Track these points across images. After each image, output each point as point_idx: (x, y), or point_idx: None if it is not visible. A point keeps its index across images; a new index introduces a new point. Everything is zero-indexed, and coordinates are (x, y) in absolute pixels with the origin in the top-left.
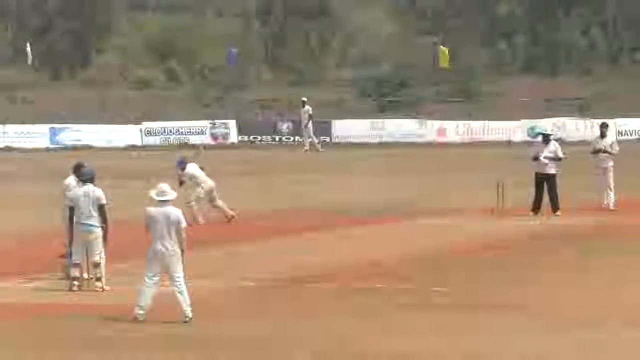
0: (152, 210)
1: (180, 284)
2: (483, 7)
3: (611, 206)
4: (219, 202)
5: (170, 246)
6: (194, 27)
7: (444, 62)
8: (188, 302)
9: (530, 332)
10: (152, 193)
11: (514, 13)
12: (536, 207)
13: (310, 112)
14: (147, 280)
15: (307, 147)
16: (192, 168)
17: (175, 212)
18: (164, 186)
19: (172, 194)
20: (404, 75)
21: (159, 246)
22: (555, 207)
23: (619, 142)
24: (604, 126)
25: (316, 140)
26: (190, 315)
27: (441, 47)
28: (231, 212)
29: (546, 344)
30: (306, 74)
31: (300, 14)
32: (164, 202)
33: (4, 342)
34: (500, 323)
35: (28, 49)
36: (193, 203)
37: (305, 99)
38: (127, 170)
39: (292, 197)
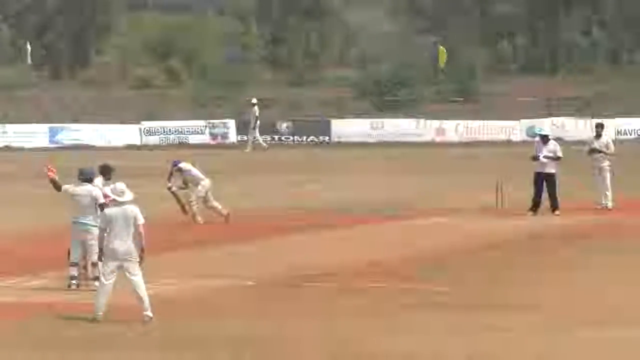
0: (110, 210)
1: (138, 285)
2: (483, 6)
3: (609, 206)
4: (214, 203)
5: (128, 246)
6: (193, 26)
7: (442, 62)
8: (147, 303)
9: (532, 332)
10: (108, 191)
11: (514, 13)
12: (535, 207)
13: (257, 113)
14: (103, 279)
15: (249, 149)
16: (186, 166)
17: (133, 210)
18: (122, 186)
19: (129, 195)
20: (403, 74)
21: (117, 246)
22: (554, 206)
23: (619, 141)
24: (599, 126)
25: (261, 139)
26: (150, 315)
27: (440, 47)
28: (225, 210)
29: (548, 343)
30: (305, 73)
31: (299, 13)
32: (121, 202)
33: (2, 341)
34: (501, 323)
35: (28, 49)
36: (194, 202)
37: (255, 100)
38: (127, 170)
39: (291, 196)
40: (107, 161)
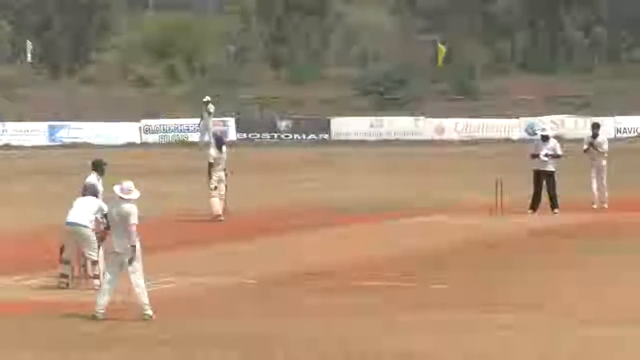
0: (110, 207)
1: (137, 283)
2: (483, 4)
3: (596, 206)
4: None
5: (126, 244)
6: (193, 25)
7: (441, 61)
8: (146, 301)
9: (532, 331)
10: (116, 189)
11: (514, 11)
12: (535, 205)
13: (212, 110)
14: (106, 276)
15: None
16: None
17: (127, 209)
18: (129, 184)
19: (136, 193)
20: (403, 73)
21: (116, 243)
22: (554, 205)
23: (619, 139)
24: (595, 126)
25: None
26: (149, 313)
27: (439, 45)
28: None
29: (548, 342)
30: (306, 71)
31: (300, 11)
32: (124, 200)
33: (2, 341)
34: (501, 322)
35: (28, 46)
36: (222, 193)
37: (209, 98)
38: (127, 168)
39: (291, 195)
40: (100, 157)
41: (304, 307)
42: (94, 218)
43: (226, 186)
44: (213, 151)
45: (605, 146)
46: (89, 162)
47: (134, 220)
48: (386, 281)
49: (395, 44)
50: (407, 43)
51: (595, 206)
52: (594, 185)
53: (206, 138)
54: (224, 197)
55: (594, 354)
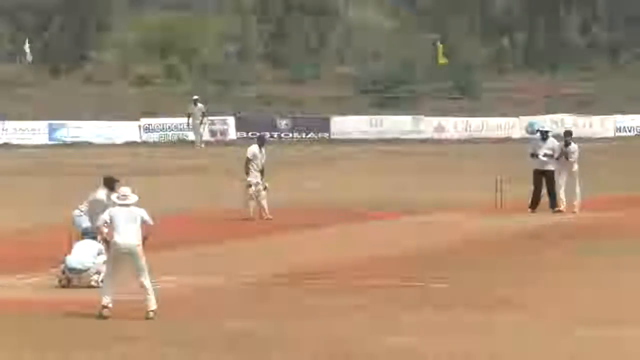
0: (115, 209)
1: (144, 281)
2: (482, 4)
3: (575, 210)
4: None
5: (133, 241)
6: (193, 24)
7: (441, 60)
8: (153, 300)
9: (531, 331)
10: (114, 197)
11: (513, 10)
12: (535, 204)
13: (204, 109)
14: (109, 276)
15: (199, 145)
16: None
17: (139, 211)
18: (126, 190)
19: (133, 197)
20: (403, 71)
21: (121, 240)
22: (554, 204)
23: (619, 139)
24: (567, 134)
25: (202, 138)
26: (154, 309)
27: (439, 44)
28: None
29: (547, 342)
30: (305, 70)
31: (299, 10)
32: (128, 204)
33: (2, 341)
34: (500, 322)
35: (27, 46)
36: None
37: (197, 97)
38: (126, 167)
39: (291, 194)
40: (111, 174)
41: (304, 307)
42: (95, 260)
43: (266, 187)
44: (255, 148)
45: (576, 155)
46: (89, 161)
47: (150, 222)
48: (386, 281)
49: (395, 43)
50: (406, 42)
51: (562, 208)
52: (562, 189)
53: (197, 136)
54: (262, 198)
55: (593, 354)
